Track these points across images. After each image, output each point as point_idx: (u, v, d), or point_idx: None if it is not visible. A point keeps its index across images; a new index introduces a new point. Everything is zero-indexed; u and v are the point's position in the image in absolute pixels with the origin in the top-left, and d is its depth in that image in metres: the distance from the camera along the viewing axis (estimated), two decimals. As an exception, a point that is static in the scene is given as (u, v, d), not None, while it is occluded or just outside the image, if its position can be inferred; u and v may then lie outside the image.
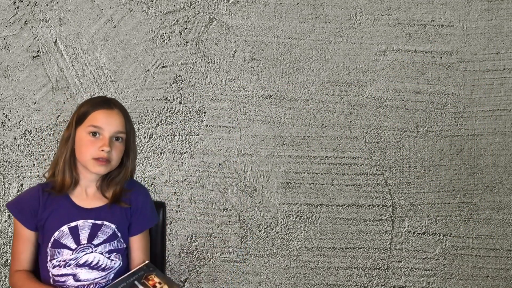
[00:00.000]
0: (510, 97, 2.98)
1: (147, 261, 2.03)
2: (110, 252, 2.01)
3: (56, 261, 1.99)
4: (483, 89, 2.98)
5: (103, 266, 2.01)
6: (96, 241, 1.99)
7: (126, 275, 1.98)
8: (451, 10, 2.95)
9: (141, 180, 2.92)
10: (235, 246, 2.98)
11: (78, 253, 1.99)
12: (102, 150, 1.94)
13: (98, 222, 2.00)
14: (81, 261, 1.99)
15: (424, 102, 2.97)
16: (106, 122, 1.96)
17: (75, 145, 1.99)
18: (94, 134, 1.95)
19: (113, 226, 2.01)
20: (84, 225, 1.99)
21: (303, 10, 2.94)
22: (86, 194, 2.02)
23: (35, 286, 1.97)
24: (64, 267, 1.98)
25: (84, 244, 1.99)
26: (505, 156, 3.00)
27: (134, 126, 2.93)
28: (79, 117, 1.99)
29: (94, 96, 2.10)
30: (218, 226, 2.98)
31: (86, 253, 1.99)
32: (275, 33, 2.94)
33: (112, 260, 2.02)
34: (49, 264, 1.99)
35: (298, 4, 2.93)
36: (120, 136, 1.98)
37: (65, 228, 1.98)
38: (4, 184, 2.91)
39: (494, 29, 2.96)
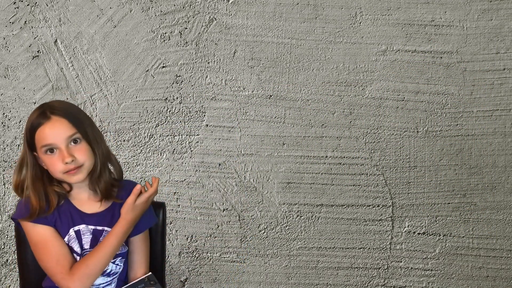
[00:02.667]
0: (510, 97, 2.98)
1: (149, 273, 2.00)
2: (115, 256, 2.00)
3: None
4: (483, 89, 2.98)
5: (108, 271, 1.99)
6: None
7: (126, 286, 1.96)
8: (451, 10, 2.95)
9: (141, 180, 2.92)
10: (235, 246, 2.98)
11: None
12: (66, 163, 1.87)
13: (99, 228, 1.98)
14: None
15: (424, 102, 2.98)
16: (52, 136, 1.87)
17: (35, 169, 1.91)
18: (51, 151, 1.88)
19: None
20: (86, 230, 1.97)
21: (303, 10, 2.94)
22: (83, 199, 2.00)
23: (95, 251, 1.91)
24: None
25: (87, 249, 1.97)
26: (505, 156, 3.00)
27: (134, 126, 2.93)
28: (28, 141, 1.91)
29: (33, 111, 1.95)
30: (218, 226, 2.98)
31: None
32: (275, 33, 2.94)
33: (118, 265, 2.00)
34: None
35: (298, 4, 2.94)
36: (74, 138, 1.90)
37: (71, 232, 1.97)
38: (4, 184, 2.91)
39: (494, 29, 2.96)
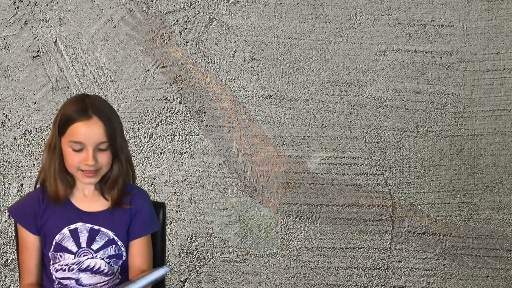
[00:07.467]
0: (510, 97, 2.98)
1: (145, 271, 2.00)
2: (110, 257, 1.99)
3: (59, 265, 1.98)
4: (483, 89, 2.98)
5: (105, 271, 1.99)
6: (95, 246, 1.97)
7: (123, 285, 1.96)
8: (451, 10, 2.95)
9: (141, 180, 2.92)
10: (235, 246, 2.98)
11: (80, 257, 1.97)
12: (86, 165, 1.88)
13: (96, 227, 1.98)
14: (84, 266, 1.97)
15: (424, 102, 2.98)
16: (86, 136, 1.87)
17: (62, 154, 1.92)
18: (77, 148, 1.88)
19: (110, 233, 1.99)
20: (83, 228, 1.97)
21: (303, 10, 2.94)
22: (85, 196, 2.00)
23: None
24: (68, 271, 1.97)
25: (84, 247, 1.97)
26: (505, 156, 3.00)
27: (134, 126, 2.93)
28: (61, 125, 1.90)
29: (73, 97, 1.96)
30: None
31: (88, 258, 1.98)
32: (275, 33, 2.94)
33: (112, 265, 2.00)
34: (51, 268, 1.98)
35: (298, 4, 2.94)
36: (103, 145, 1.90)
37: (65, 230, 1.97)
38: (4, 184, 2.91)
39: (494, 29, 2.96)
